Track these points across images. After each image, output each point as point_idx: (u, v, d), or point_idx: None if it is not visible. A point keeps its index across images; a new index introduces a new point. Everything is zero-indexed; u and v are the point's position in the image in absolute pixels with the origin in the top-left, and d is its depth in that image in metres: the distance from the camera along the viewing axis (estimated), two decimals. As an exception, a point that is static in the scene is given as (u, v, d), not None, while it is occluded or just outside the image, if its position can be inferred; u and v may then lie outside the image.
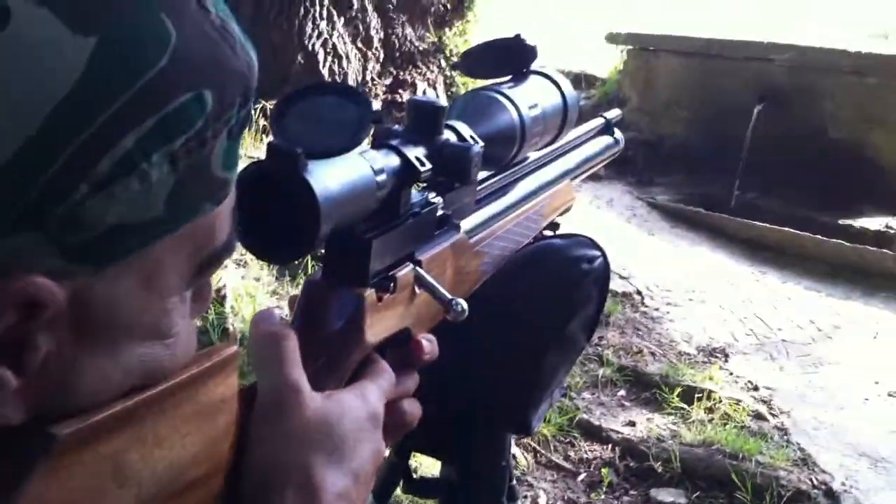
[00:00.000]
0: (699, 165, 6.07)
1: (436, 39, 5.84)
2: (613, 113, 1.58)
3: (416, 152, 0.87)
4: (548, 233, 1.35)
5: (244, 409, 0.66)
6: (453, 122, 0.99)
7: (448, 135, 0.95)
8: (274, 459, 0.65)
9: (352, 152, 0.75)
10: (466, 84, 6.04)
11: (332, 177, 0.72)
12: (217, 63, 0.52)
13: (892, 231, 5.19)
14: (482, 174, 1.06)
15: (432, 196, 0.93)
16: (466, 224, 1.01)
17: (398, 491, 1.28)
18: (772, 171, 5.73)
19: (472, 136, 0.98)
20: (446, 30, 5.91)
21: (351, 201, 0.75)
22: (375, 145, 0.85)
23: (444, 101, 0.93)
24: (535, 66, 1.22)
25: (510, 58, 1.19)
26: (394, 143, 0.86)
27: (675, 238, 5.37)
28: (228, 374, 0.63)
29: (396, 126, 0.91)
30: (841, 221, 5.37)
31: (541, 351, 1.35)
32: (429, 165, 0.87)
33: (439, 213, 0.94)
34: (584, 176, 1.44)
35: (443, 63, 5.88)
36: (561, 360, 1.39)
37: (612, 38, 6.99)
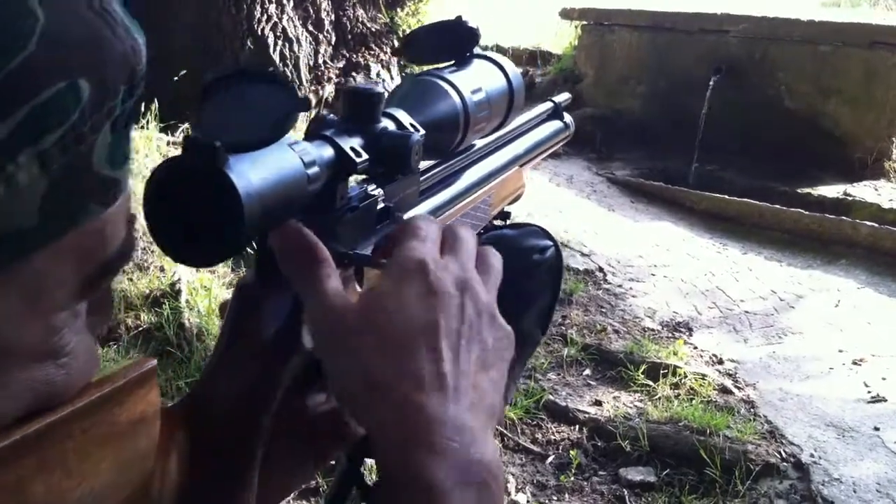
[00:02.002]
0: (657, 139, 6.06)
1: (388, 20, 5.75)
2: (563, 97, 1.53)
3: (351, 143, 0.81)
4: (498, 222, 1.29)
5: (172, 426, 0.60)
6: (393, 109, 0.93)
7: (386, 123, 0.89)
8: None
9: (280, 144, 0.69)
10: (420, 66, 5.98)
11: (256, 171, 0.66)
12: (94, 48, 0.46)
13: (849, 198, 5.21)
14: (426, 163, 1.00)
15: (372, 188, 0.87)
16: (410, 216, 0.96)
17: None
18: (729, 143, 5.74)
19: (412, 124, 0.92)
20: (398, 10, 5.82)
21: (279, 197, 0.68)
22: (309, 136, 0.79)
23: (381, 88, 0.87)
24: (478, 49, 1.16)
25: (452, 41, 1.13)
26: (328, 133, 0.80)
27: (635, 213, 5.35)
28: (148, 391, 0.57)
29: (332, 115, 0.85)
30: (799, 190, 5.39)
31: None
32: (365, 156, 0.81)
33: (380, 205, 0.88)
34: (533, 162, 1.38)
35: (396, 44, 5.80)
36: (515, 356, 1.34)
37: (567, 14, 6.95)
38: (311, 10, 5.39)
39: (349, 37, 5.62)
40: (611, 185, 5.77)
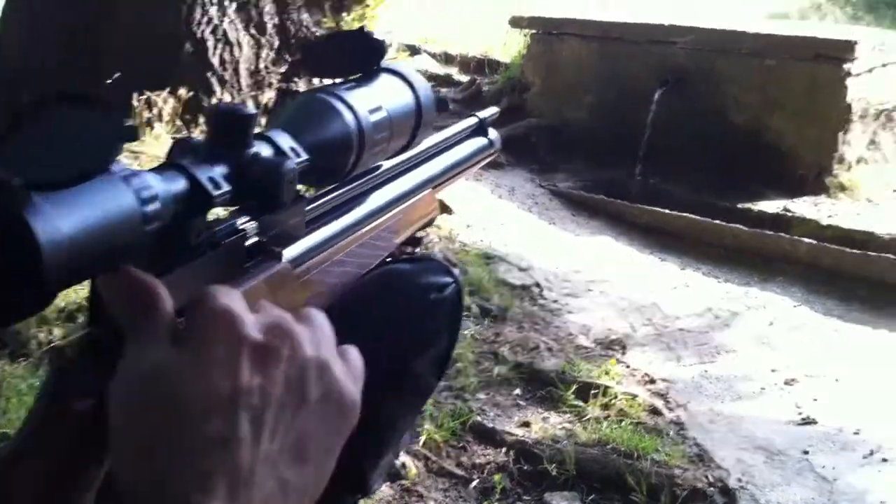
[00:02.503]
0: (602, 151, 6.03)
1: (334, 25, 5.65)
2: (489, 111, 1.46)
3: (213, 172, 0.71)
4: (408, 249, 1.23)
5: None
6: (272, 131, 0.84)
7: (260, 148, 0.79)
8: None
9: (110, 178, 0.59)
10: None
11: (67, 214, 0.55)
12: None
13: (789, 214, 5.22)
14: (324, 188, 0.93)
15: (242, 221, 0.78)
16: (291, 251, 0.87)
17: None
18: (673, 156, 5.72)
19: (292, 148, 0.83)
20: (344, 15, 5.73)
21: (100, 242, 0.58)
22: (161, 165, 0.70)
23: (252, 108, 0.78)
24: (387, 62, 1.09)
25: (356, 54, 1.05)
26: (184, 161, 0.71)
27: (576, 227, 5.32)
28: None
29: (196, 138, 0.76)
30: (741, 205, 5.38)
31: (378, 398, 1.21)
32: (227, 187, 0.72)
33: (251, 240, 0.79)
34: (452, 183, 1.31)
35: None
36: (404, 406, 1.26)
37: (516, 22, 6.90)
38: (254, 13, 5.28)
39: (292, 41, 5.52)
40: (553, 197, 5.73)
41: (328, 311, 0.94)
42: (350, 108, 0.94)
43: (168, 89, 4.72)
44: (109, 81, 4.54)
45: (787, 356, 3.94)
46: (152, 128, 4.65)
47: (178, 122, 4.72)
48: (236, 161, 0.73)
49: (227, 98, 5.06)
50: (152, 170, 0.67)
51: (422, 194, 1.19)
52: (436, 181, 1.22)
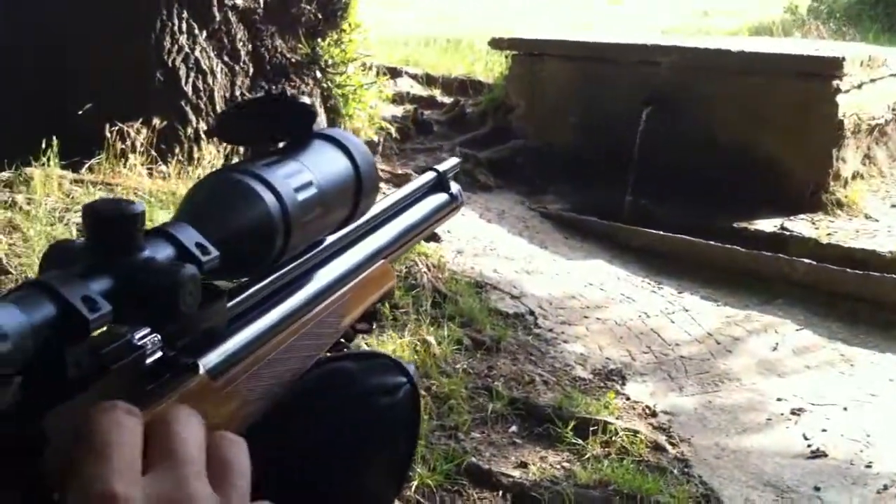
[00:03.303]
0: (590, 172, 5.88)
1: (309, 51, 5.50)
2: (449, 163, 1.30)
3: (88, 289, 0.56)
4: (361, 326, 1.05)
5: None
6: (174, 225, 0.67)
7: (157, 248, 0.63)
8: None
9: None
10: (346, 95, 5.74)
11: None
12: None
13: (786, 233, 5.07)
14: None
15: (141, 335, 0.61)
16: (209, 360, 0.70)
17: None
18: (663, 176, 5.58)
19: (198, 244, 0.67)
20: (319, 40, 5.57)
21: None
22: (24, 285, 0.55)
23: (140, 206, 0.61)
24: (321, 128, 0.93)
25: (280, 121, 0.88)
26: (52, 279, 0.55)
27: (569, 250, 5.15)
28: None
29: (73, 242, 0.60)
30: (735, 225, 5.24)
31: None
32: (108, 307, 0.56)
33: (156, 356, 0.62)
34: (410, 248, 1.15)
35: (318, 75, 5.55)
36: None
37: (496, 44, 6.77)
38: (226, 41, 5.12)
39: (268, 68, 5.36)
40: (544, 220, 5.57)
41: (261, 425, 0.77)
42: (270, 187, 0.77)
43: (141, 119, 4.54)
44: (81, 113, 4.36)
45: (793, 383, 3.78)
46: (126, 159, 4.47)
47: (153, 153, 4.54)
48: (121, 271, 0.59)
49: (202, 126, 4.89)
50: (11, 294, 0.52)
51: (373, 267, 1.02)
52: (389, 250, 1.06)
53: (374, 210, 1.05)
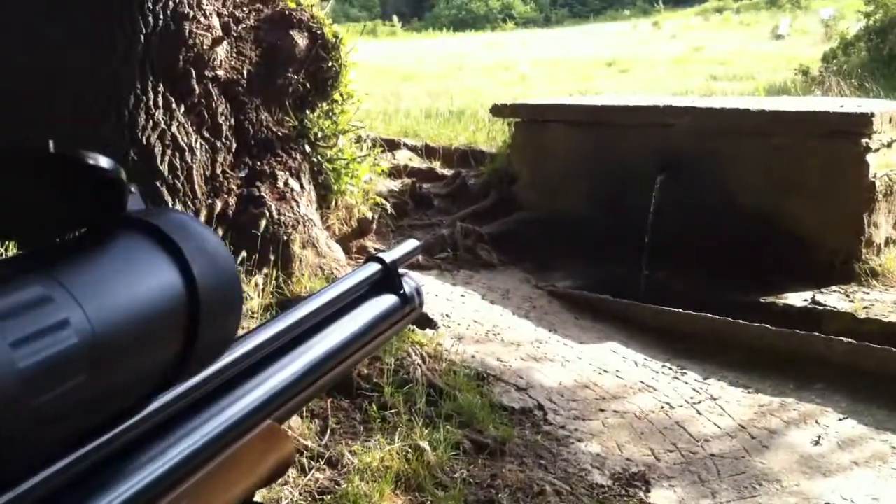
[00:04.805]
0: (602, 244, 5.46)
1: (297, 123, 5.14)
2: (401, 250, 0.89)
3: None
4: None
5: None
6: None
7: None
8: None
9: None
10: (338, 170, 5.36)
11: None
12: None
13: (819, 308, 4.62)
14: None
15: None
16: None
17: None
18: (682, 248, 5.16)
19: None
20: (308, 112, 5.22)
21: None
22: None
23: None
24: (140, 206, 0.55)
25: (58, 197, 0.52)
26: None
27: (580, 332, 4.71)
28: None
29: None
30: (763, 299, 4.79)
31: None
32: None
33: None
34: (317, 393, 0.74)
35: (307, 148, 5.18)
36: None
37: (498, 111, 6.42)
38: (207, 115, 4.76)
39: (252, 143, 5.00)
40: (552, 299, 5.14)
41: None
42: None
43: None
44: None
45: (842, 484, 3.30)
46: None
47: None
48: None
49: (180, 207, 4.50)
50: None
51: (243, 439, 0.63)
52: (281, 403, 0.66)
53: (266, 334, 0.65)
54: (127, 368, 0.48)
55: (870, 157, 4.96)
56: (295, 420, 3.07)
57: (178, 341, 0.51)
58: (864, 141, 4.95)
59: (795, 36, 20.84)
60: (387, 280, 0.83)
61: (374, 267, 0.82)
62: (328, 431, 3.20)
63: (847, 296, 4.75)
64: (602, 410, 3.84)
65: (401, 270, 0.85)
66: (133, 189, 0.54)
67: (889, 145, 5.21)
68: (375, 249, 5.13)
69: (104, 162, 0.49)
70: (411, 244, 0.89)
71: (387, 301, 0.82)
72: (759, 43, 20.29)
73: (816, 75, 11.35)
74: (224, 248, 0.55)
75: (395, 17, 32.07)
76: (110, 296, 0.47)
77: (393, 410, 3.35)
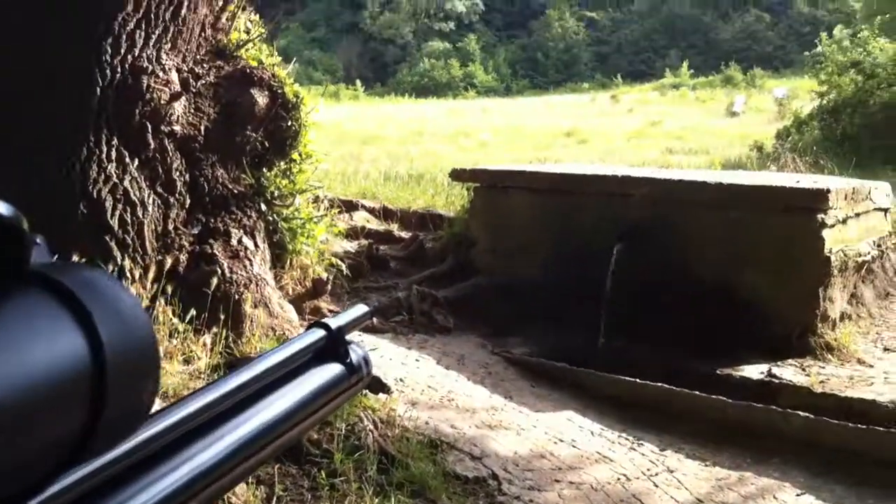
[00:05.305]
0: (559, 312, 5.42)
1: (253, 181, 5.07)
2: (349, 315, 0.81)
3: None
4: None
5: None
6: None
7: None
8: None
9: None
10: (294, 230, 5.29)
11: None
12: None
13: (776, 381, 4.59)
14: None
15: None
16: None
17: None
18: (639, 316, 5.14)
19: None
20: (265, 170, 5.15)
21: None
22: None
23: None
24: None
25: None
26: None
27: (536, 400, 4.63)
28: None
29: None
30: (719, 371, 4.76)
31: None
32: None
33: None
34: (243, 478, 0.66)
35: (263, 207, 5.10)
36: None
37: (457, 176, 6.41)
38: (161, 170, 4.67)
39: (207, 199, 4.91)
40: (508, 365, 5.06)
41: None
42: None
43: (56, 255, 4.03)
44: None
45: (801, 562, 3.23)
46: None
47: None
48: None
49: (128, 263, 4.39)
50: None
51: None
52: (200, 489, 0.59)
53: (183, 410, 0.58)
54: (18, 444, 0.41)
55: (825, 233, 5.00)
56: (240, 487, 2.95)
57: (79, 414, 0.44)
58: (819, 216, 4.99)
59: (750, 113, 21.32)
60: (332, 348, 0.75)
61: (318, 333, 0.75)
62: (274, 499, 3.07)
63: (803, 369, 4.74)
64: (558, 481, 3.75)
65: (348, 338, 0.78)
66: (38, 240, 0.47)
67: (844, 221, 5.26)
68: (329, 311, 5.04)
69: (2, 208, 0.42)
70: (360, 310, 0.82)
71: (331, 370, 0.75)
72: (715, 119, 20.71)
73: (771, 151, 11.57)
74: (140, 309, 0.48)
75: (357, 82, 32.35)
76: (1, 362, 0.40)
77: (343, 478, 3.24)
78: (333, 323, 0.75)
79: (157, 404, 0.57)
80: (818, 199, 4.99)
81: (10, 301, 0.42)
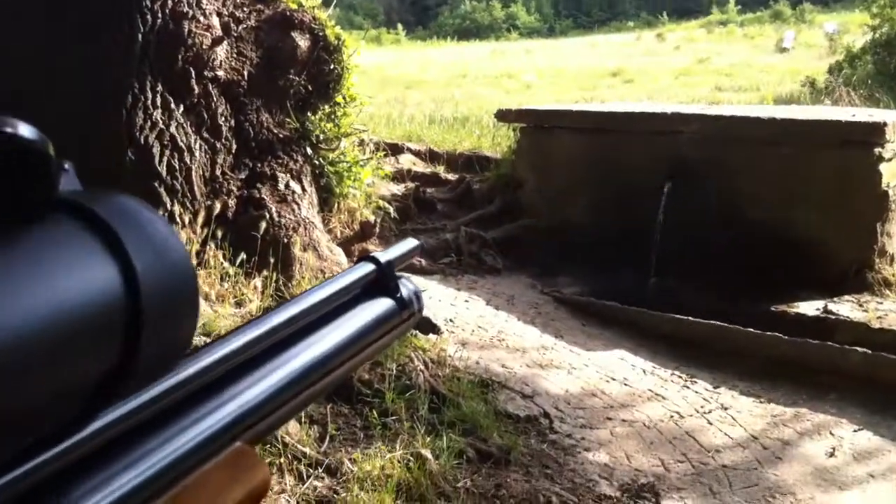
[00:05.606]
0: (609, 252, 5.36)
1: (298, 126, 5.04)
2: (398, 249, 0.78)
3: None
4: None
5: None
6: None
7: None
8: None
9: None
10: (340, 173, 5.27)
11: None
12: None
13: (832, 317, 4.51)
14: None
15: None
16: None
17: None
18: (690, 256, 5.06)
19: None
20: (310, 114, 5.12)
21: None
22: None
23: None
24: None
25: None
26: None
27: (587, 339, 4.60)
28: None
29: None
30: (774, 308, 4.69)
31: None
32: None
33: None
34: (295, 413, 0.64)
35: (308, 151, 5.08)
36: None
37: (503, 116, 6.33)
38: (206, 116, 4.66)
39: (253, 144, 4.90)
40: (558, 305, 5.03)
41: None
42: None
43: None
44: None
45: (858, 496, 3.19)
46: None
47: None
48: None
49: (178, 209, 4.40)
50: None
51: (210, 462, 0.54)
52: (251, 424, 0.56)
53: (227, 346, 0.56)
54: (51, 381, 0.38)
55: (882, 167, 4.87)
56: (293, 425, 2.97)
57: (115, 349, 0.41)
58: (876, 150, 4.85)
59: (800, 49, 20.79)
60: (382, 282, 0.72)
61: (367, 267, 0.71)
62: (327, 438, 3.09)
63: (860, 305, 4.65)
64: (609, 419, 3.73)
65: (398, 273, 0.75)
66: (67, 166, 0.44)
67: (903, 153, 5.11)
68: (378, 254, 5.04)
69: (26, 131, 0.39)
70: (410, 243, 0.78)
71: (381, 305, 0.72)
72: (764, 55, 20.24)
73: (823, 87, 11.27)
74: (176, 238, 0.45)
75: (399, 26, 32.07)
76: (30, 294, 0.37)
77: (394, 417, 3.25)
78: (383, 257, 0.72)
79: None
80: (875, 132, 4.85)
81: (37, 229, 0.39)
